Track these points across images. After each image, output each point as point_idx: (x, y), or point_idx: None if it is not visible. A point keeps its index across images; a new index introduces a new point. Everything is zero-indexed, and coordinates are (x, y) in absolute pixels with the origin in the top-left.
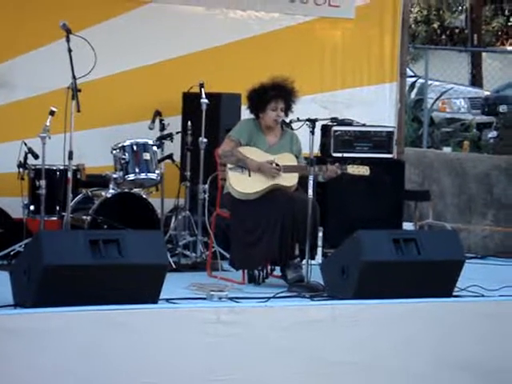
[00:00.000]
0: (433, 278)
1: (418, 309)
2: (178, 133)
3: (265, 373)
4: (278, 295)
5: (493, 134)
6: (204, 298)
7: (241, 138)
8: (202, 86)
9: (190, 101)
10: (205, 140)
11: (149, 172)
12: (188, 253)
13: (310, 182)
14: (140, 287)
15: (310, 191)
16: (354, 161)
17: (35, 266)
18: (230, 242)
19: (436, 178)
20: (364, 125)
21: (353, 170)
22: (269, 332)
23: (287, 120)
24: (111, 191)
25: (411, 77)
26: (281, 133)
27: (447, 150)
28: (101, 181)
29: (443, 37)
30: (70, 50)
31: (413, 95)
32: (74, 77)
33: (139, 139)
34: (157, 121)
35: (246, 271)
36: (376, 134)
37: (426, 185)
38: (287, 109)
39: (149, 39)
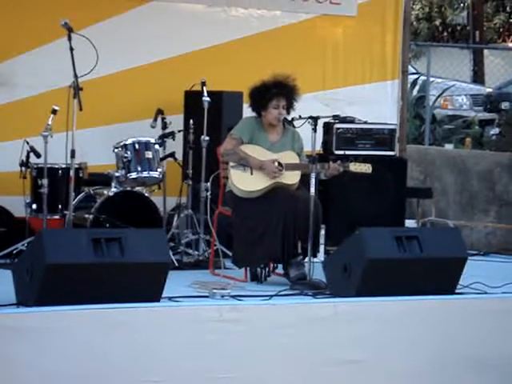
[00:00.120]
0: (435, 275)
1: (421, 306)
2: (179, 131)
3: (267, 371)
4: (280, 293)
5: (495, 130)
6: (206, 296)
7: (243, 136)
8: (203, 84)
9: (192, 99)
10: (207, 138)
11: (151, 170)
12: (190, 251)
13: (312, 180)
14: (142, 285)
15: (312, 189)
16: (356, 158)
17: (37, 265)
18: (233, 240)
19: (438, 175)
20: (366, 122)
21: (355, 167)
22: (271, 330)
23: (289, 118)
24: (113, 190)
25: (413, 74)
26: (283, 131)
27: (449, 147)
28: (103, 179)
29: (445, 34)
30: (71, 49)
31: (415, 92)
32: (75, 75)
33: (141, 138)
34: (159, 119)
35: (248, 269)
36: (378, 131)
37: (428, 182)
38: (289, 106)
39: (150, 37)
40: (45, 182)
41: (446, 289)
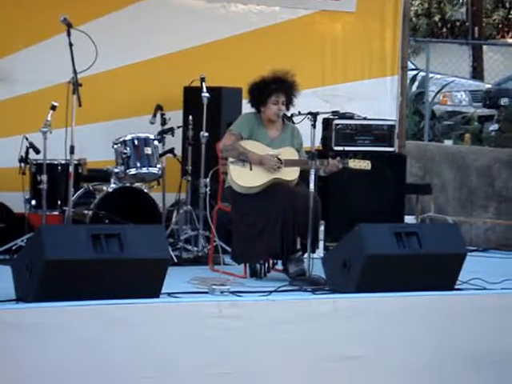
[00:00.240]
0: (434, 271)
1: (420, 302)
2: (179, 127)
3: (266, 366)
4: (279, 289)
5: (494, 126)
6: (206, 292)
7: (242, 131)
8: (203, 80)
9: (191, 95)
10: (206, 134)
11: (150, 166)
12: (190, 247)
13: (312, 176)
14: (142, 281)
15: (312, 185)
16: (355, 155)
17: (37, 261)
18: (232, 236)
19: (437, 172)
20: (365, 118)
21: (354, 164)
22: (270, 326)
23: (288, 114)
24: (113, 186)
25: (412, 70)
26: (282, 126)
27: (448, 143)
28: (102, 175)
29: (444, 30)
30: (70, 45)
31: (414, 88)
32: (75, 71)
33: (140, 133)
34: (158, 115)
35: (247, 265)
36: (377, 127)
37: (427, 178)
38: (288, 102)
39: (150, 33)
40: (44, 177)
41: (445, 285)
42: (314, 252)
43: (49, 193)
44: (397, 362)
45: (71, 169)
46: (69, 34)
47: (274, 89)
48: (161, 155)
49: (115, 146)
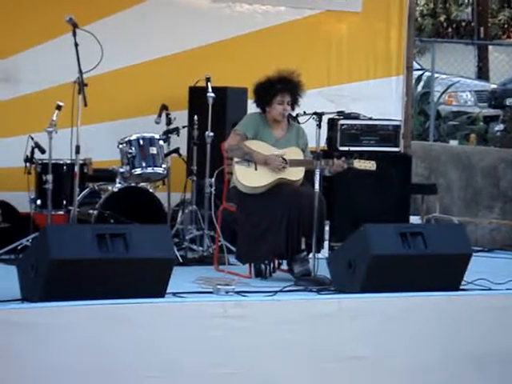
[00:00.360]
0: (440, 271)
1: (425, 302)
2: (184, 127)
3: (271, 366)
4: (284, 289)
5: (499, 126)
6: (211, 292)
7: (247, 131)
8: (208, 80)
9: (197, 95)
10: (211, 134)
11: (155, 166)
12: (195, 247)
13: (317, 176)
14: (147, 281)
15: (317, 185)
16: (360, 155)
17: (42, 261)
18: (237, 236)
19: (443, 172)
20: (371, 118)
21: (359, 164)
22: (275, 326)
23: (294, 114)
24: (118, 185)
25: (418, 70)
26: (287, 126)
27: (454, 143)
28: (107, 175)
29: (449, 30)
30: (76, 45)
31: (419, 88)
32: (80, 71)
33: (146, 133)
34: (163, 115)
35: (252, 265)
36: (383, 127)
37: (432, 178)
38: (294, 102)
39: (155, 33)
40: (49, 177)
41: (450, 285)
42: (318, 252)
43: (54, 192)
44: (402, 361)
45: (76, 168)
46: (74, 34)
47: (280, 89)
48: (166, 155)
49: (120, 146)
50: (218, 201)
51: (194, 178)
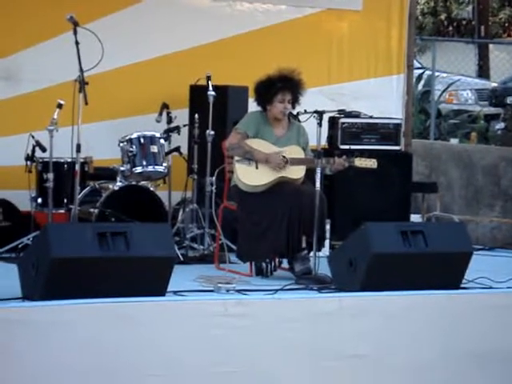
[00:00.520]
0: (440, 269)
1: (426, 301)
2: (185, 125)
3: (272, 365)
4: (285, 287)
5: (500, 125)
6: (211, 291)
7: (248, 130)
8: (209, 78)
9: (197, 93)
10: (212, 132)
11: (156, 165)
12: (195, 245)
13: (318, 175)
14: (147, 280)
15: (318, 184)
16: (361, 153)
17: (43, 259)
18: (237, 235)
19: (443, 170)
20: (371, 117)
21: (360, 162)
22: (276, 324)
23: (294, 112)
24: (119, 184)
25: (418, 68)
26: (288, 125)
27: (454, 141)
28: (108, 173)
29: (450, 28)
30: (77, 43)
31: (420, 87)
32: (81, 69)
33: (146, 132)
34: (164, 113)
35: (253, 263)
36: (383, 126)
37: (433, 177)
38: (294, 101)
39: (156, 32)
40: (50, 176)
41: (451, 283)
42: (319, 250)
43: (55, 191)
44: (402, 360)
45: (77, 167)
46: (75, 33)
47: (280, 87)
48: (167, 153)
49: (121, 145)
50: (218, 199)
51: (195, 177)
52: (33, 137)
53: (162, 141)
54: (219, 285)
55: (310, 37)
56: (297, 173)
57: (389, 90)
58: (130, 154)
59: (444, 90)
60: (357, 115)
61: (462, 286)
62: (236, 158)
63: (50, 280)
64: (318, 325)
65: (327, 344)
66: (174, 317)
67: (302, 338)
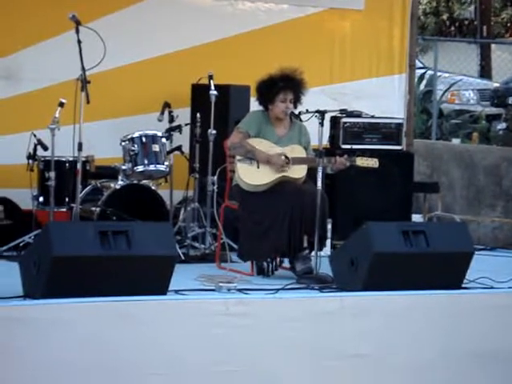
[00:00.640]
0: (442, 269)
1: (427, 301)
2: (186, 124)
3: (273, 364)
4: (286, 287)
5: (502, 125)
6: (213, 290)
7: (249, 129)
8: (210, 77)
9: (199, 92)
10: (214, 132)
11: (158, 164)
12: (197, 244)
13: (319, 174)
14: (149, 279)
15: (319, 183)
16: (363, 153)
17: (44, 258)
18: (239, 234)
19: (445, 170)
20: (373, 116)
21: (362, 162)
22: (277, 324)
23: (296, 111)
24: (120, 183)
25: (420, 68)
26: (290, 124)
27: (456, 141)
28: (110, 172)
29: (452, 28)
30: (79, 42)
31: (422, 87)
32: (83, 68)
33: (148, 131)
34: (166, 112)
35: (254, 263)
36: (385, 125)
37: (434, 177)
38: (296, 100)
39: (158, 31)
40: (52, 174)
41: (452, 283)
42: (321, 250)
43: (56, 190)
44: (403, 359)
45: (79, 166)
46: (77, 31)
47: (282, 87)
48: (168, 152)
49: (123, 143)
50: (220, 198)
51: (197, 176)
52: (34, 135)
53: (163, 140)
54: (220, 284)
55: (312, 36)
56: (298, 172)
57: (391, 90)
58: (131, 152)
59: (446, 90)
60: (358, 115)
61: (464, 285)
62: (238, 157)
63: (52, 278)
64: (320, 324)
65: (328, 343)
66: (175, 316)
67: (303, 338)
